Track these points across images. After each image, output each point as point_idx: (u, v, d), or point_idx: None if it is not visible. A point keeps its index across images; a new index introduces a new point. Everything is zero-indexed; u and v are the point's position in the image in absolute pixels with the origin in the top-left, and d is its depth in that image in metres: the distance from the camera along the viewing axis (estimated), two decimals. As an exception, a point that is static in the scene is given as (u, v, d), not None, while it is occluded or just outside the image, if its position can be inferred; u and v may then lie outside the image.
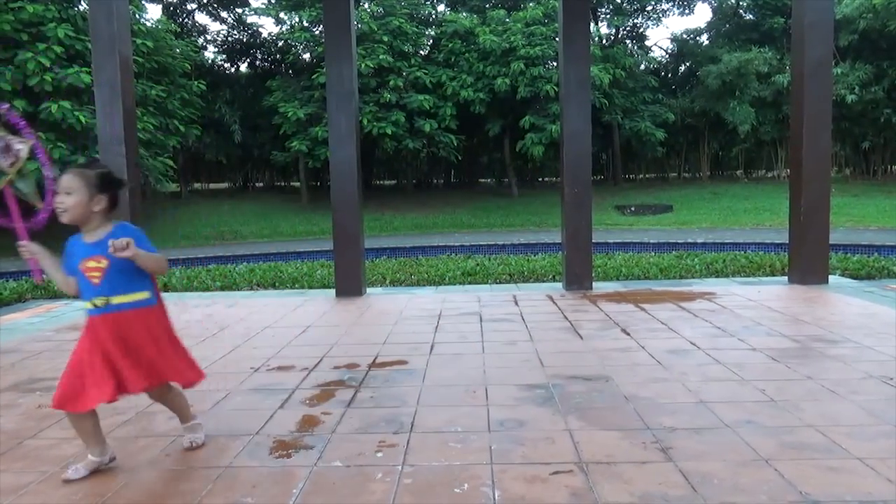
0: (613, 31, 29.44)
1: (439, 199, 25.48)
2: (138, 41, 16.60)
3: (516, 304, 5.57)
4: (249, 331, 4.78)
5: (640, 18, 30.31)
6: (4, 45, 15.04)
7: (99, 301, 2.31)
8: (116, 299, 2.32)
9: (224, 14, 28.75)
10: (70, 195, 2.27)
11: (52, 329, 5.08)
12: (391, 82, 21.68)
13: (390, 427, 2.80)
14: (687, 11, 30.36)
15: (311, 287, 8.28)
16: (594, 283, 6.36)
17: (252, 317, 5.32)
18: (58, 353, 4.26)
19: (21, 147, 2.48)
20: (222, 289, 8.41)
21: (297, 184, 28.19)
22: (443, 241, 15.55)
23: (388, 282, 8.83)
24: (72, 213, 2.28)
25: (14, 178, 2.47)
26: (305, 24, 23.33)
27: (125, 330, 2.33)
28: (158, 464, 2.49)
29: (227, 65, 29.33)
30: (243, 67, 29.69)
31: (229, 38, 29.34)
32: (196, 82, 20.91)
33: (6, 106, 2.49)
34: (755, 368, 3.51)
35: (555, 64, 21.98)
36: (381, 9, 23.13)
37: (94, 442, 2.38)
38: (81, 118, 14.86)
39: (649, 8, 29.83)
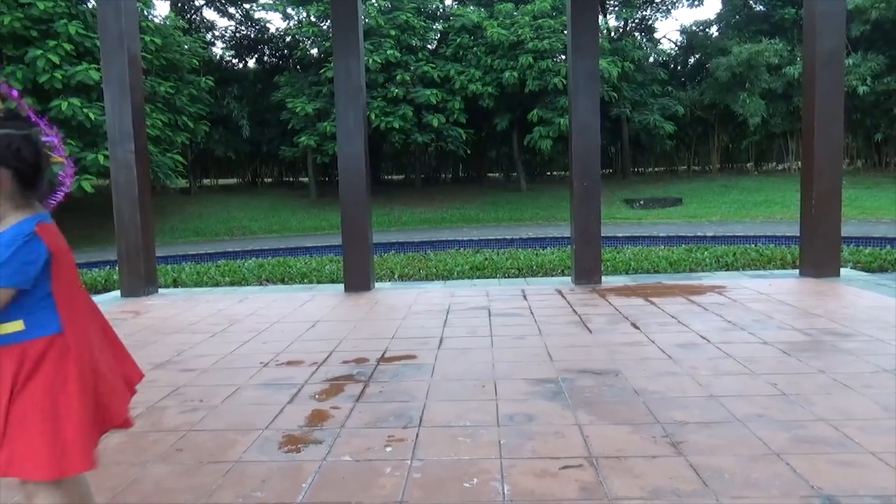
0: (622, 23, 29.23)
1: (448, 194, 25.43)
2: (147, 38, 16.64)
3: (525, 298, 5.56)
4: (259, 326, 4.80)
5: (648, 10, 30.06)
6: (15, 43, 15.13)
7: None
8: None
9: (232, 10, 28.76)
10: None
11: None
12: (399, 77, 21.64)
13: (399, 422, 2.80)
14: (696, 3, 30.11)
15: (319, 282, 8.30)
16: (603, 277, 6.33)
17: (261, 312, 5.34)
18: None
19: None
20: (231, 284, 8.44)
21: (306, 179, 28.19)
22: (451, 235, 15.54)
23: (396, 276, 8.83)
24: None
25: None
26: (313, 19, 23.31)
27: None
28: (169, 458, 2.51)
29: (235, 60, 29.36)
30: (251, 63, 29.73)
31: (237, 34, 29.38)
32: (204, 78, 20.96)
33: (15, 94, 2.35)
34: (766, 362, 3.49)
35: (563, 57, 21.85)
36: (388, 3, 23.08)
37: None
38: (91, 115, 14.93)
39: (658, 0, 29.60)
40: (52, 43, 14.94)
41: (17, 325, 1.60)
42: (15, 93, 2.28)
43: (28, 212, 1.63)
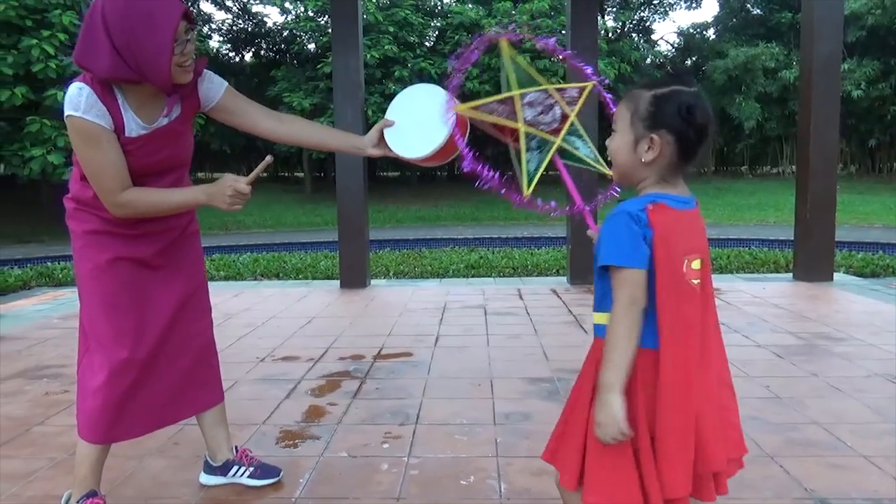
0: (620, 24, 29.30)
1: (443, 192, 25.45)
2: (143, 29, 16.54)
3: (521, 297, 5.57)
4: (254, 321, 4.80)
5: (646, 12, 30.16)
6: (8, 31, 15.02)
7: None
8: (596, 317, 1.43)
9: (229, 3, 28.65)
10: (614, 134, 1.43)
11: (59, 316, 5.10)
12: (396, 73, 21.63)
13: (396, 419, 2.81)
14: (694, 5, 30.26)
15: (314, 278, 8.28)
16: (598, 278, 6.34)
17: (257, 307, 5.33)
18: (64, 341, 4.27)
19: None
20: (227, 279, 8.41)
21: (301, 174, 28.15)
22: (447, 233, 15.54)
23: (391, 274, 8.82)
24: (615, 163, 1.44)
25: (563, 144, 1.77)
26: (311, 13, 23.27)
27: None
28: (166, 452, 2.51)
29: (231, 54, 29.27)
30: (248, 57, 29.64)
31: (234, 28, 29.26)
32: (200, 71, 20.88)
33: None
34: (760, 365, 3.51)
35: (561, 57, 21.87)
36: (387, 0, 23.07)
37: None
38: (86, 106, 14.83)
39: (656, 2, 29.68)
40: (46, 33, 14.85)
41: (603, 318, 1.35)
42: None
43: (664, 188, 1.37)
